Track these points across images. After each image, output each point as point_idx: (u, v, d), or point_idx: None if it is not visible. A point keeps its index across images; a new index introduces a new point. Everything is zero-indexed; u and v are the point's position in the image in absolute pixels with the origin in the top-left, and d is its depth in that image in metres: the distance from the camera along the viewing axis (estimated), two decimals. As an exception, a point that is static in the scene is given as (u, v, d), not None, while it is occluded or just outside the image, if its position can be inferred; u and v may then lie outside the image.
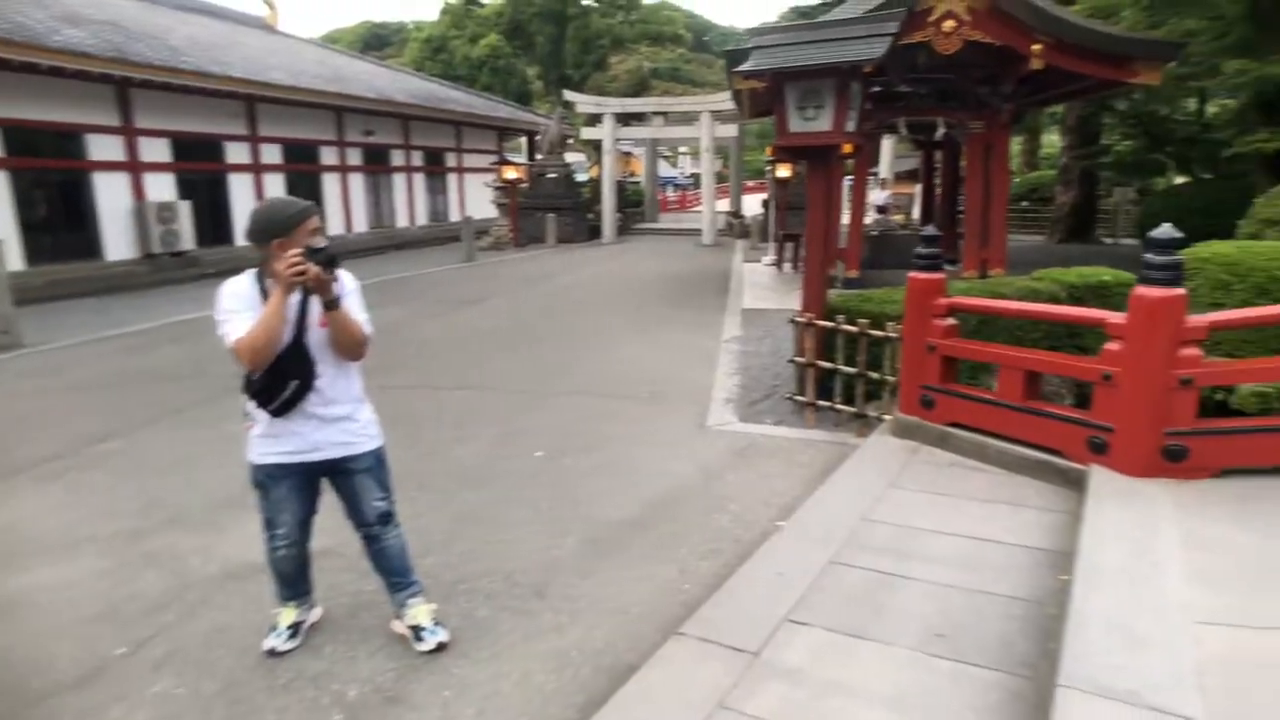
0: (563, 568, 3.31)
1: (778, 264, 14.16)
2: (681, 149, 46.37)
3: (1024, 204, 22.20)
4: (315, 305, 2.38)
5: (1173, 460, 3.31)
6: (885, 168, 20.30)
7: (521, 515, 3.85)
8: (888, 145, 18.97)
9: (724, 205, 23.78)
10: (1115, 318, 3.43)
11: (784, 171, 15.70)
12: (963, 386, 4.18)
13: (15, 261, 10.74)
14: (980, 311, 4.55)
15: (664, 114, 21.60)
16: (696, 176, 49.15)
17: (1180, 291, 3.30)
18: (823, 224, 5.36)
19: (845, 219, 11.37)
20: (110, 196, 12.98)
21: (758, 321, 8.87)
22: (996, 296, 6.66)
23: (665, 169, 39.57)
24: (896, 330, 4.59)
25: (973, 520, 3.31)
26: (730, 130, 21.09)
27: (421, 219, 21.67)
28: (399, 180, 20.87)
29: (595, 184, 22.83)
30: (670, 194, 38.08)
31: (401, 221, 20.91)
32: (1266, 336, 5.61)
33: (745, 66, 5.15)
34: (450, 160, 22.99)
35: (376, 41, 55.97)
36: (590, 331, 8.59)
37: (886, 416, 4.68)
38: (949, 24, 9.48)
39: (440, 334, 8.61)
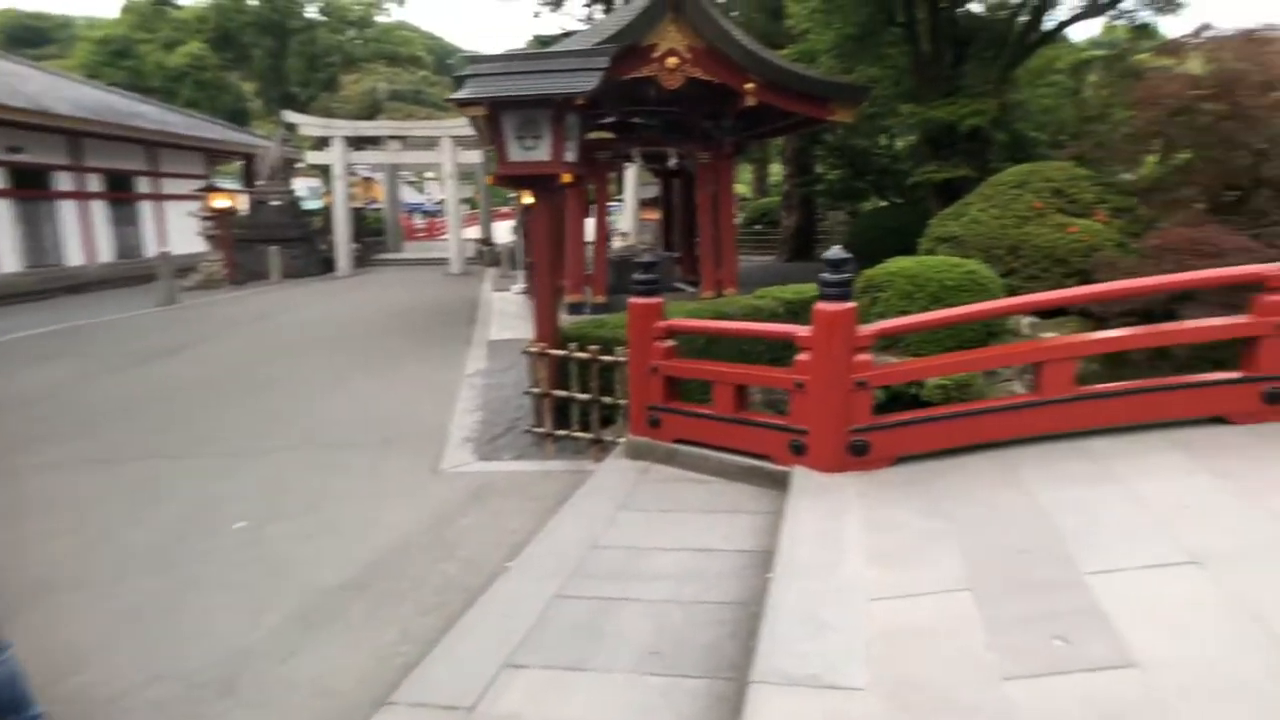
0: (259, 653, 2.96)
1: (528, 292, 14.32)
2: (429, 174, 45.30)
3: (757, 227, 24.97)
4: None
5: (857, 454, 3.85)
6: (630, 195, 21.58)
7: (211, 599, 3.40)
8: (632, 173, 20.24)
9: (474, 232, 23.59)
10: (802, 331, 3.93)
11: (531, 198, 15.98)
12: (684, 404, 4.51)
13: None
14: (693, 332, 4.95)
15: (401, 138, 20.92)
16: (445, 203, 48.28)
17: (851, 305, 3.87)
18: (550, 252, 5.51)
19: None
20: None
21: (504, 352, 8.85)
22: (722, 315, 7.37)
23: (412, 195, 38.35)
24: (626, 355, 4.83)
25: (694, 532, 3.56)
26: (475, 156, 21.03)
27: (105, 255, 18.48)
28: (68, 209, 17.62)
29: (328, 212, 21.38)
30: (418, 221, 36.90)
31: (74, 259, 17.62)
32: (942, 337, 6.84)
33: (460, 94, 5.17)
34: (143, 186, 20.02)
35: (31, 36, 46.65)
36: (317, 376, 7.95)
37: (621, 440, 4.89)
38: (672, 61, 10.37)
39: (122, 393, 7.40)
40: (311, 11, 32.16)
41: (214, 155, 23.26)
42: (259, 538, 4.06)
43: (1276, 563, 2.54)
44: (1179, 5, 12.48)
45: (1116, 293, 4.68)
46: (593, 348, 4.97)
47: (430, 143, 20.32)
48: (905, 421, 3.88)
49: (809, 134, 17.25)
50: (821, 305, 3.85)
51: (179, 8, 32.16)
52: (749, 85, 10.73)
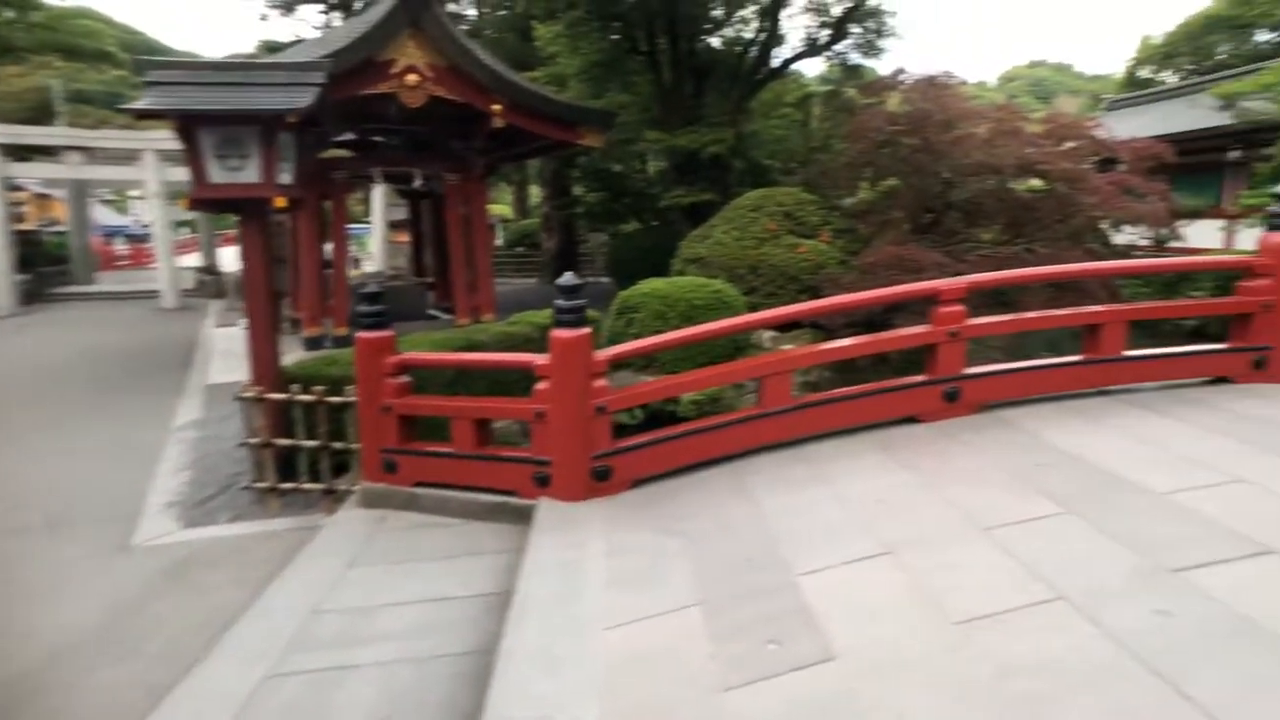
0: None
1: (263, 326, 13.06)
2: (133, 192, 39.73)
3: (519, 249, 25.12)
4: None
5: (601, 480, 3.95)
6: (379, 217, 20.65)
7: None
8: (380, 194, 19.37)
9: (195, 260, 21.07)
10: (540, 360, 3.96)
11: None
12: (423, 444, 4.34)
13: None
14: (426, 365, 4.81)
15: (86, 149, 18.03)
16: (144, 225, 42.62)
17: (586, 330, 3.97)
18: (263, 282, 5.04)
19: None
20: None
21: (225, 398, 7.89)
22: (474, 344, 7.27)
23: (110, 216, 33.45)
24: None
25: (432, 582, 3.42)
26: (185, 173, 18.74)
27: None
28: None
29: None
30: (119, 247, 32.15)
31: None
32: (695, 354, 7.30)
33: (139, 104, 4.58)
34: None
35: None
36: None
37: (356, 488, 4.59)
38: (412, 78, 10.10)
39: None
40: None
41: None
42: None
43: (949, 547, 3.00)
44: (880, 50, 14.80)
45: (825, 308, 5.30)
46: (318, 388, 4.62)
47: (129, 156, 17.77)
48: (643, 444, 4.06)
49: (565, 157, 17.72)
50: (557, 332, 3.92)
51: None
52: (496, 106, 10.78)
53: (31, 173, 18.47)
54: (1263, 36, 25.89)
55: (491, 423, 4.34)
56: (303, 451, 4.74)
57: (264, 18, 25.04)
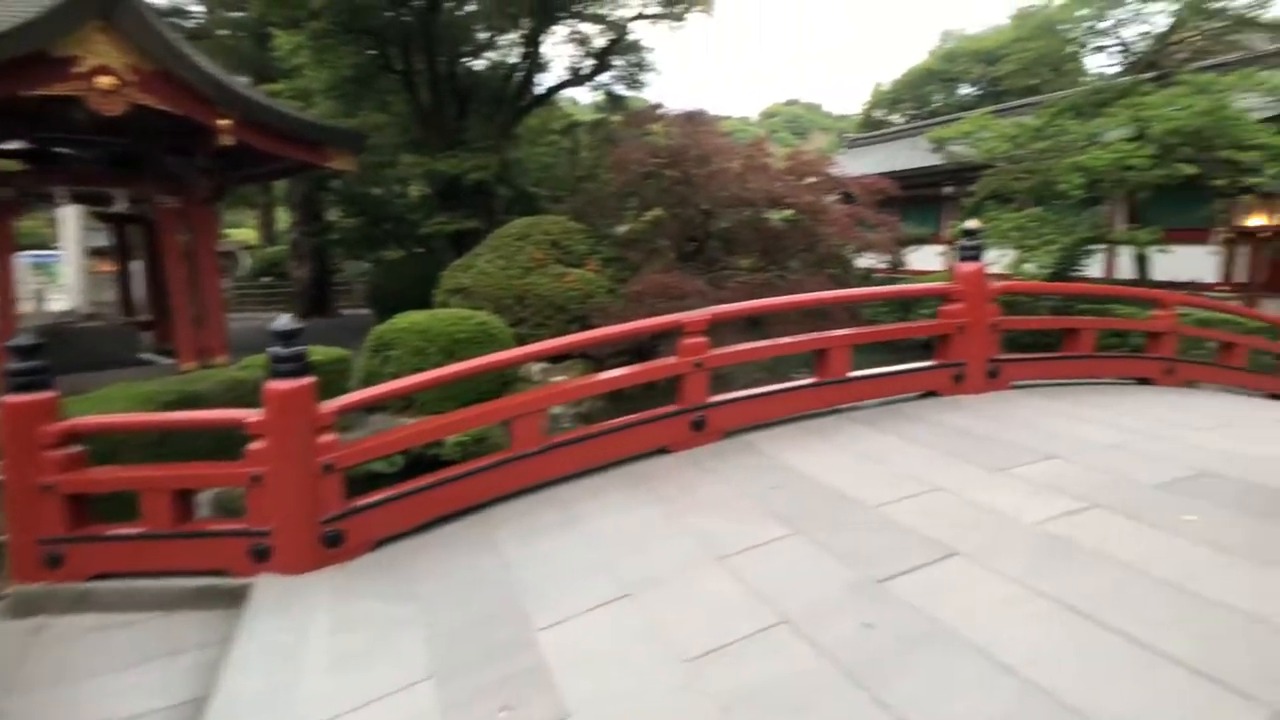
0: None
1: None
2: None
3: (266, 280, 23.15)
4: None
5: (332, 546, 3.65)
6: (74, 242, 17.98)
7: None
8: (74, 215, 16.90)
9: None
10: (253, 416, 3.59)
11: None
12: (101, 526, 3.75)
13: None
14: (102, 430, 4.19)
15: None
16: None
17: (308, 381, 3.66)
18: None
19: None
20: None
21: None
22: (190, 396, 6.51)
23: None
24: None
25: (118, 697, 2.93)
26: None
27: None
28: None
29: None
30: None
31: None
32: (458, 392, 7.03)
33: None
34: None
35: None
36: None
37: (4, 594, 3.85)
38: (105, 80, 8.93)
39: None
40: None
41: None
42: None
43: (688, 580, 3.11)
44: (643, 84, 15.65)
45: (585, 341, 5.33)
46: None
47: None
48: (380, 501, 3.82)
49: (316, 179, 16.69)
50: (274, 384, 3.59)
51: None
52: (223, 122, 9.87)
53: None
54: (965, 90, 31.07)
55: (195, 493, 3.86)
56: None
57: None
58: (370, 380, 7.47)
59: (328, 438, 3.69)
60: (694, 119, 10.07)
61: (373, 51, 13.55)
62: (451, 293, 10.31)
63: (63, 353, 9.64)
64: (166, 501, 3.62)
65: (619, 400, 6.37)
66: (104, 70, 8.94)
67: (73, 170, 9.97)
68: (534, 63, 14.05)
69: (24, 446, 3.54)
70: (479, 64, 15.40)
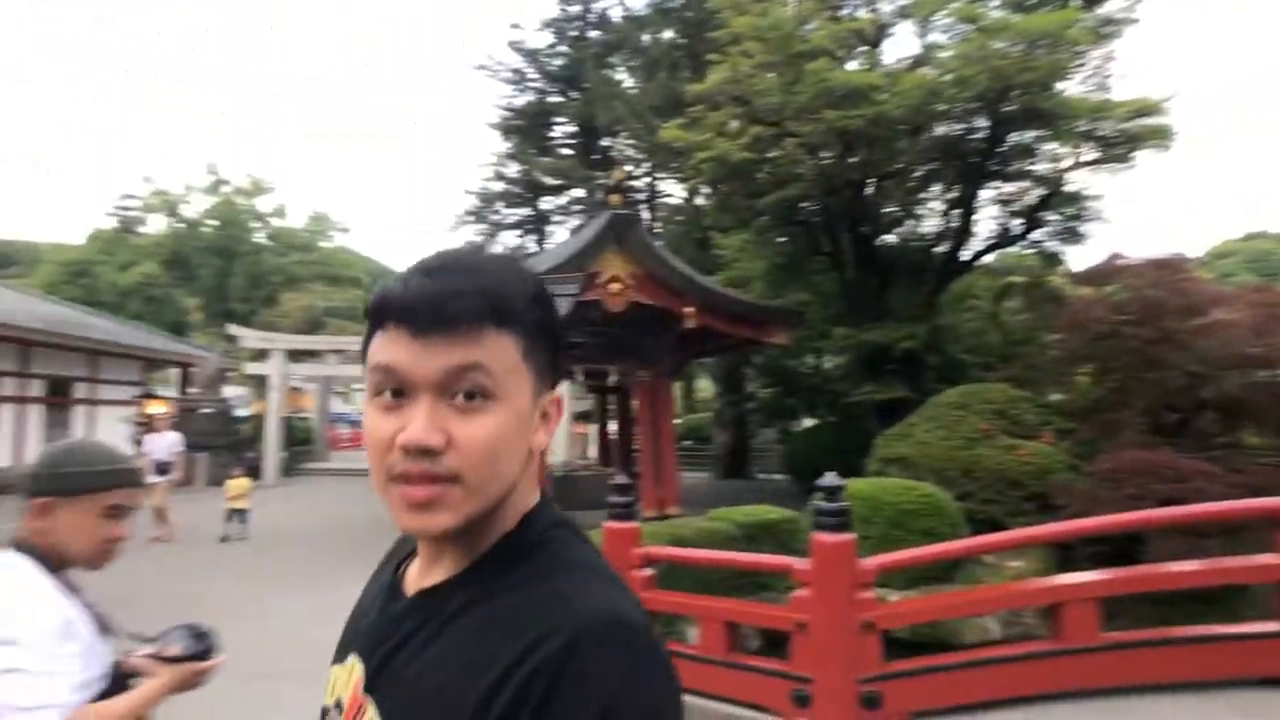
0: None
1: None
2: (356, 385, 44.97)
3: (687, 443, 25.18)
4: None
5: (869, 708, 3.38)
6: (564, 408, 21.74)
7: None
8: (564, 387, 20.62)
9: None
10: (800, 564, 3.61)
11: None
12: (671, 644, 3.99)
13: None
14: (673, 561, 4.55)
15: (340, 351, 20.94)
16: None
17: (850, 536, 3.60)
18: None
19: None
20: None
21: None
22: (678, 539, 6.99)
23: (339, 405, 37.73)
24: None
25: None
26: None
27: (31, 455, 17.47)
28: (6, 411, 17.21)
29: (258, 420, 20.70)
30: (343, 431, 35.95)
31: (3, 460, 16.68)
32: (909, 569, 6.55)
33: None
34: (80, 391, 19.34)
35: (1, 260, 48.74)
36: (237, 591, 7.17)
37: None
38: (615, 286, 10.89)
39: None
40: (259, 236, 33.54)
41: (152, 364, 22.74)
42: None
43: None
44: (1082, 236, 14.06)
45: (1133, 522, 4.45)
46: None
47: (370, 356, 20.37)
48: (920, 670, 3.48)
49: (742, 354, 18.09)
50: (820, 536, 3.58)
51: (139, 235, 33.18)
52: (689, 309, 11.30)
53: (302, 371, 21.54)
54: None
55: (741, 627, 3.94)
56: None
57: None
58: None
59: (867, 594, 3.53)
60: (1168, 266, 8.46)
61: (802, 239, 14.53)
62: (887, 462, 9.90)
63: (570, 493, 11.48)
64: (721, 631, 3.73)
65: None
66: (614, 279, 10.94)
67: (586, 353, 12.13)
68: (960, 229, 13.58)
69: (617, 565, 3.97)
70: (901, 237, 15.40)
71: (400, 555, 0.80)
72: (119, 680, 1.47)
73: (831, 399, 17.12)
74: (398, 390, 0.64)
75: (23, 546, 1.44)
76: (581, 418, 20.26)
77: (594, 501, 11.36)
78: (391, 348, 0.64)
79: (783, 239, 14.50)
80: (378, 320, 0.65)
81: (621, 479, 4.25)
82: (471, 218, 27.54)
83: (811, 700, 3.42)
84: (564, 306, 5.04)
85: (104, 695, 1.41)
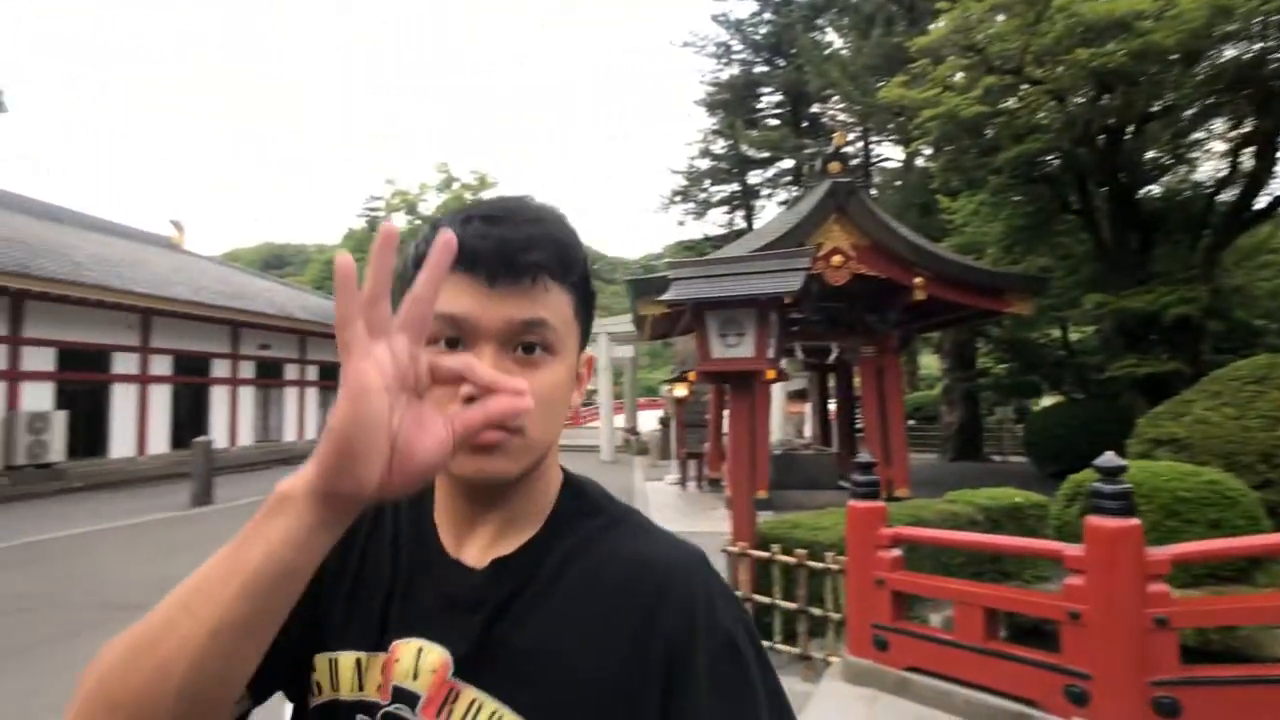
0: None
1: (681, 482, 14.12)
2: (579, 365, 47.85)
3: (911, 422, 23.90)
4: None
5: (1166, 716, 3.10)
6: (778, 388, 21.57)
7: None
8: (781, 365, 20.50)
9: (620, 422, 24.20)
10: (1073, 550, 3.38)
11: (681, 391, 16.30)
12: (918, 625, 3.94)
13: None
14: (927, 543, 4.46)
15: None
16: (588, 393, 50.66)
17: (1134, 521, 3.30)
18: (748, 448, 5.32)
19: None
20: (-24, 406, 12.53)
21: (673, 547, 8.48)
22: (917, 521, 6.74)
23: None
24: (838, 562, 4.39)
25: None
26: (626, 350, 22.14)
27: (311, 433, 21.30)
28: (291, 394, 20.84)
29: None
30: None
31: (290, 435, 20.52)
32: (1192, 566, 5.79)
33: (668, 296, 5.36)
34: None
35: (276, 261, 58.91)
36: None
37: (834, 658, 4.32)
38: (837, 259, 10.63)
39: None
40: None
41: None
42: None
43: None
44: None
45: None
46: (800, 552, 4.58)
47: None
48: (1223, 680, 3.12)
49: (973, 326, 16.82)
50: (1096, 520, 3.32)
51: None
52: (918, 280, 10.72)
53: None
54: None
55: (999, 614, 3.78)
56: (778, 611, 4.66)
57: (681, 223, 29.49)
58: (1064, 531, 6.71)
59: (1159, 587, 3.21)
60: None
61: (1047, 197, 13.11)
62: (1155, 444, 8.74)
63: (790, 473, 11.50)
64: (978, 617, 3.60)
65: None
66: (836, 251, 10.66)
67: (804, 330, 11.99)
68: (1256, 172, 11.39)
69: (863, 545, 4.00)
70: (1167, 188, 13.36)
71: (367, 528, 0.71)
72: None
73: (1080, 373, 15.39)
74: (454, 340, 0.61)
75: None
76: (796, 396, 20.04)
77: (815, 481, 11.31)
78: (458, 295, 0.61)
79: (1022, 198, 13.19)
80: None
81: (865, 457, 4.22)
82: (679, 197, 28.13)
83: (1089, 698, 3.20)
84: (796, 282, 5.07)
85: None
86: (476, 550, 0.66)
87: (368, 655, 0.64)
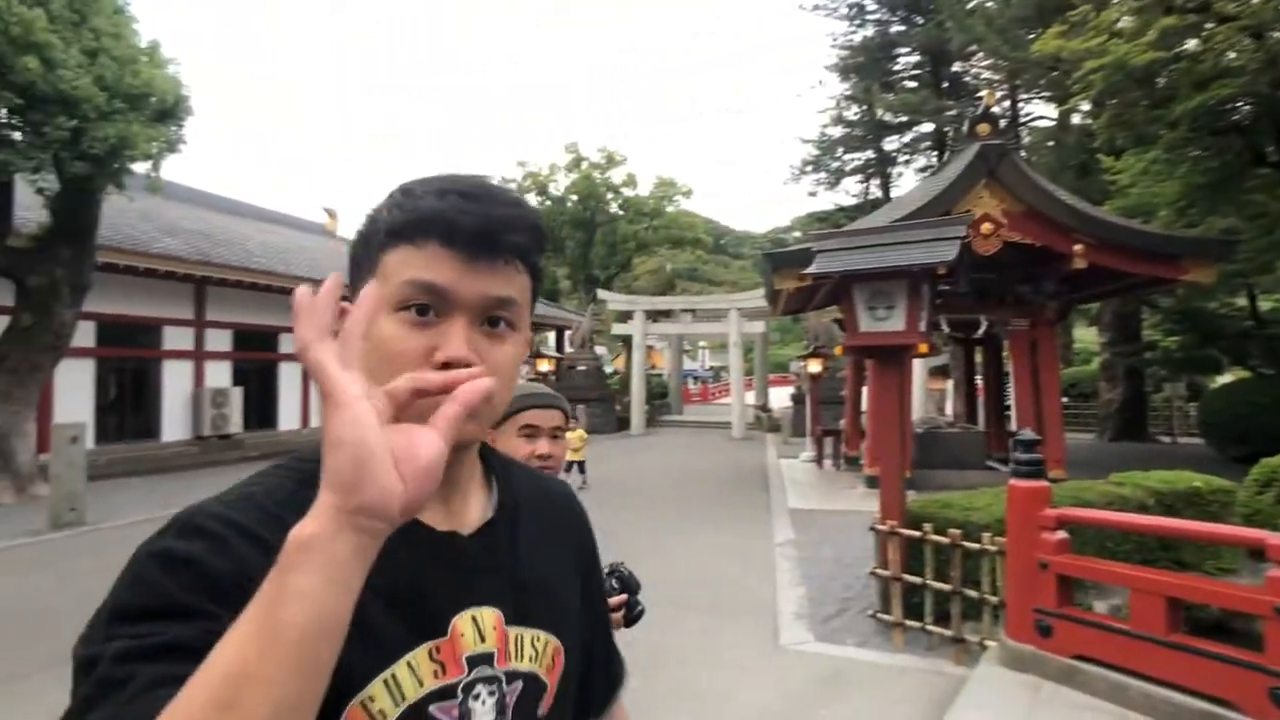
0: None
1: (817, 460, 13.93)
2: (701, 343, 48.12)
3: (1065, 400, 22.20)
4: None
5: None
6: (918, 363, 20.68)
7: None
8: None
9: (750, 398, 24.10)
10: (1275, 539, 3.12)
11: (816, 366, 16.00)
12: (1087, 612, 3.77)
13: (87, 441, 11.11)
14: (1095, 525, 4.23)
15: (692, 311, 22.65)
16: (716, 369, 50.58)
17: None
18: (896, 424, 5.23)
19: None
20: (174, 382, 14.27)
21: (810, 524, 8.47)
22: (1080, 503, 6.35)
23: (686, 362, 41.00)
24: (995, 543, 4.26)
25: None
26: (757, 326, 21.93)
27: None
28: None
29: (622, 376, 23.49)
30: (692, 387, 38.91)
31: None
32: None
33: (813, 269, 5.31)
34: None
35: None
36: (628, 529, 8.20)
37: (990, 642, 4.21)
38: (986, 226, 10.04)
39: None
40: (613, 207, 37.37)
41: (535, 327, 27.33)
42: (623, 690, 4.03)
43: None
44: None
45: None
46: (954, 531, 4.47)
47: (718, 314, 21.68)
48: None
49: (1140, 296, 15.39)
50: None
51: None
52: (1077, 246, 9.95)
53: (658, 330, 23.87)
54: None
55: (1183, 604, 3.55)
56: (929, 592, 4.59)
57: (813, 194, 28.64)
58: (1255, 520, 6.08)
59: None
60: None
61: (1236, 150, 11.69)
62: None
63: (934, 452, 11.09)
64: (1160, 606, 3.41)
65: None
66: (986, 218, 10.05)
67: (949, 304, 11.43)
68: None
69: (1025, 525, 3.86)
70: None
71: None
72: None
73: (1270, 346, 13.72)
74: (425, 307, 0.63)
75: None
76: (938, 372, 19.11)
77: (961, 461, 10.84)
78: (436, 266, 0.63)
79: (1204, 152, 11.82)
80: (414, 235, 0.64)
81: (1027, 434, 4.05)
82: (810, 167, 27.33)
83: (1297, 700, 2.97)
84: (951, 252, 4.90)
85: None
86: (447, 516, 0.70)
87: (413, 654, 0.64)
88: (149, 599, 0.54)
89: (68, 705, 0.51)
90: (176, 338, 14.34)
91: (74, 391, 12.25)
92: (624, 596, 1.50)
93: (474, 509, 0.73)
